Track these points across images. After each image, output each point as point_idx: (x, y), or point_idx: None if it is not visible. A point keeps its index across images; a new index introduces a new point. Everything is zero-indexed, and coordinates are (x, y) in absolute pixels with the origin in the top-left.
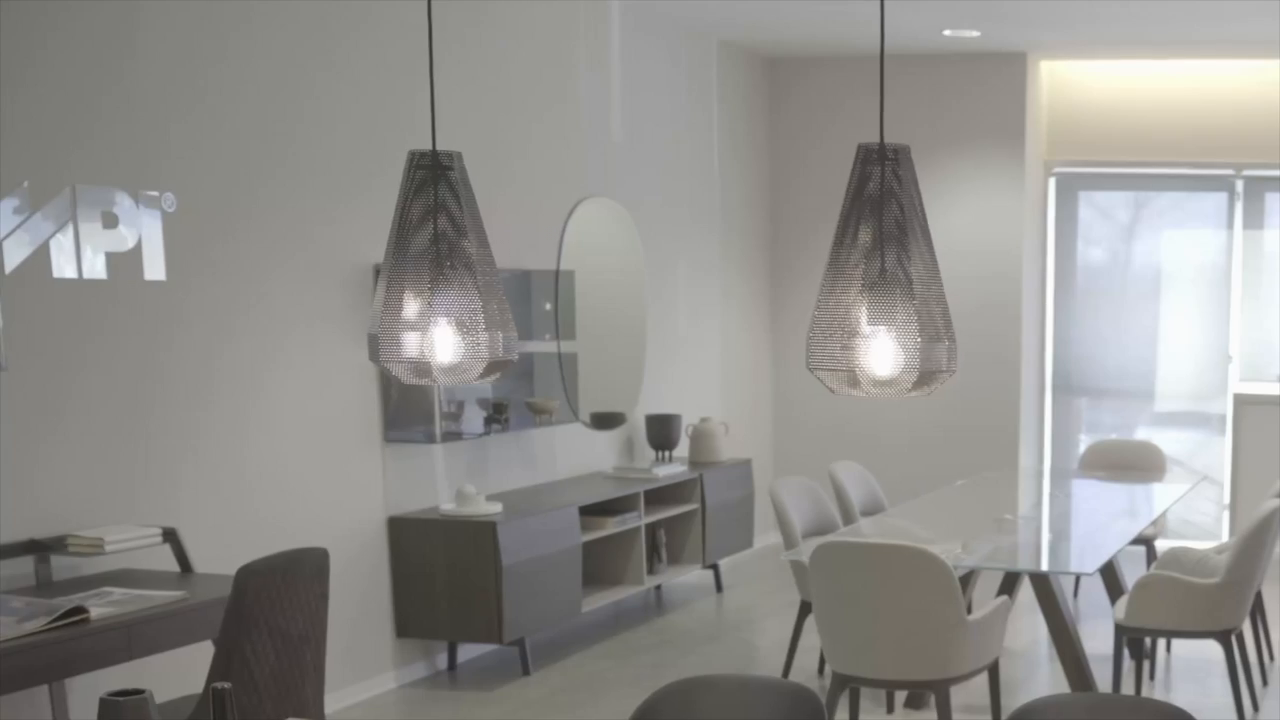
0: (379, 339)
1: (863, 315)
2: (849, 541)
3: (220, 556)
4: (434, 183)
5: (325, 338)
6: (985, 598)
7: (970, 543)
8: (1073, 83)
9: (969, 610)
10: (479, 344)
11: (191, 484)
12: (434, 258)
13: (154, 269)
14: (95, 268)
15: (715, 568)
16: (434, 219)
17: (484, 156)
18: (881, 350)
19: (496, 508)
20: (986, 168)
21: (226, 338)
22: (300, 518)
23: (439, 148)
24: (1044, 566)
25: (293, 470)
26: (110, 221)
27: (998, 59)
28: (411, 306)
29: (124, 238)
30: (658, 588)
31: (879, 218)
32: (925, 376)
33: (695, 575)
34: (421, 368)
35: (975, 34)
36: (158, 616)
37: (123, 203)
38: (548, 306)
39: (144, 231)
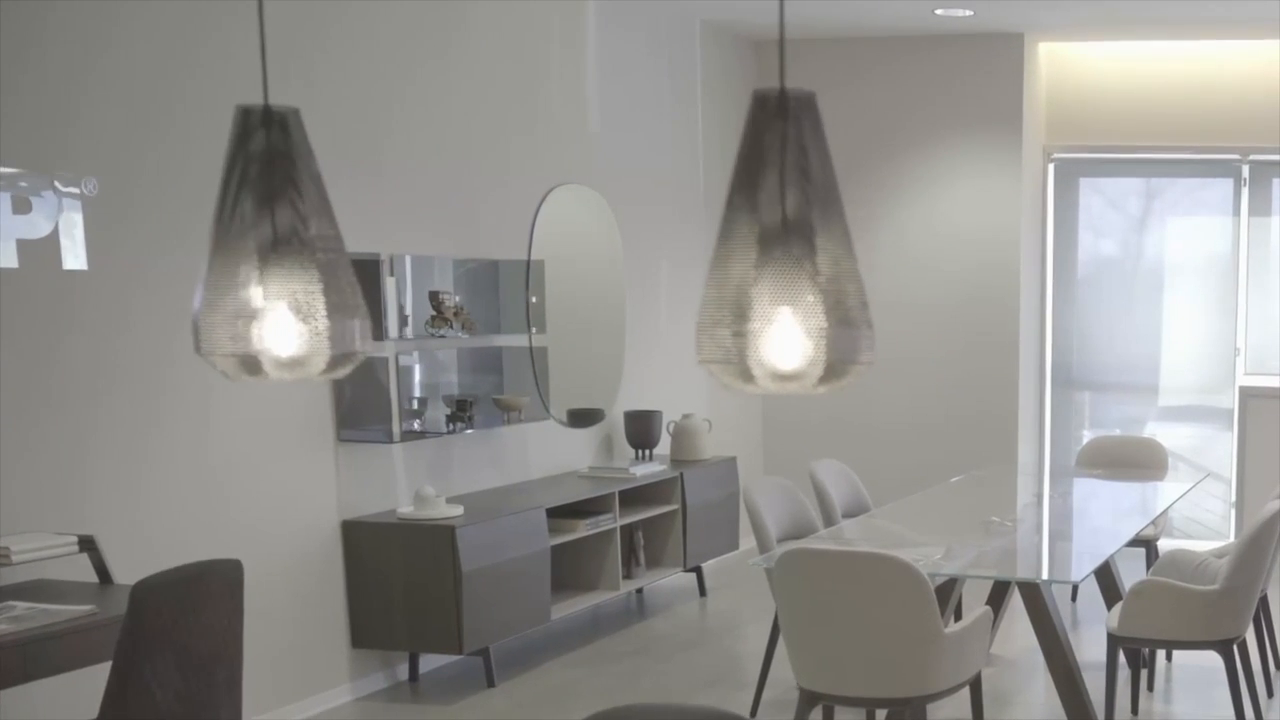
0: (199, 328)
1: (759, 295)
2: (816, 549)
3: (152, 567)
4: (266, 143)
5: None
6: (977, 605)
7: (955, 547)
8: (1072, 65)
9: (957, 618)
10: (319, 334)
11: (118, 488)
12: (265, 231)
13: (74, 258)
14: (5, 255)
15: (698, 571)
16: (264, 185)
17: (450, 140)
18: (781, 338)
19: (457, 510)
20: (983, 154)
21: (158, 331)
22: (243, 523)
23: (271, 103)
24: (1026, 574)
25: (234, 472)
26: (22, 207)
27: (993, 40)
28: (238, 289)
29: (37, 224)
30: (639, 591)
31: (780, 180)
32: (834, 369)
33: (678, 579)
34: (250, 362)
35: (968, 13)
36: (61, 634)
37: (36, 187)
38: (534, 299)
39: (61, 218)
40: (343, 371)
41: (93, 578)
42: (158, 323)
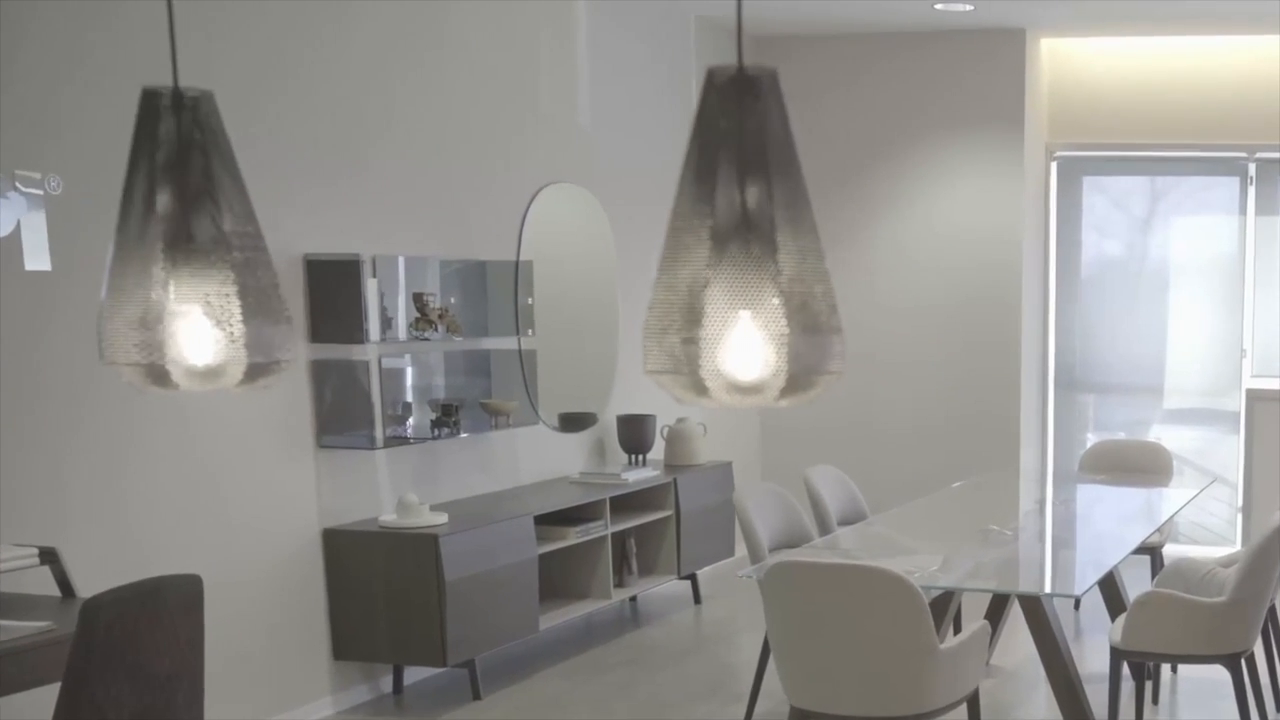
0: (102, 334)
1: (713, 298)
2: (806, 561)
3: (126, 579)
4: (176, 130)
5: None
6: (975, 617)
7: (953, 557)
8: (1075, 61)
9: (956, 631)
10: (235, 341)
11: (90, 497)
12: (174, 228)
13: (36, 258)
14: None
15: (693, 578)
16: (175, 176)
17: (436, 137)
18: (738, 345)
19: (441, 518)
20: (984, 152)
21: None
22: (221, 532)
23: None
24: (1027, 586)
25: (211, 480)
26: None
27: (994, 36)
28: (144, 292)
29: None
30: (633, 599)
31: (737, 169)
32: (799, 380)
33: (672, 586)
34: (158, 372)
35: (968, 8)
36: (12, 652)
37: None
38: (530, 300)
39: (23, 216)
40: (265, 383)
41: (57, 591)
42: None
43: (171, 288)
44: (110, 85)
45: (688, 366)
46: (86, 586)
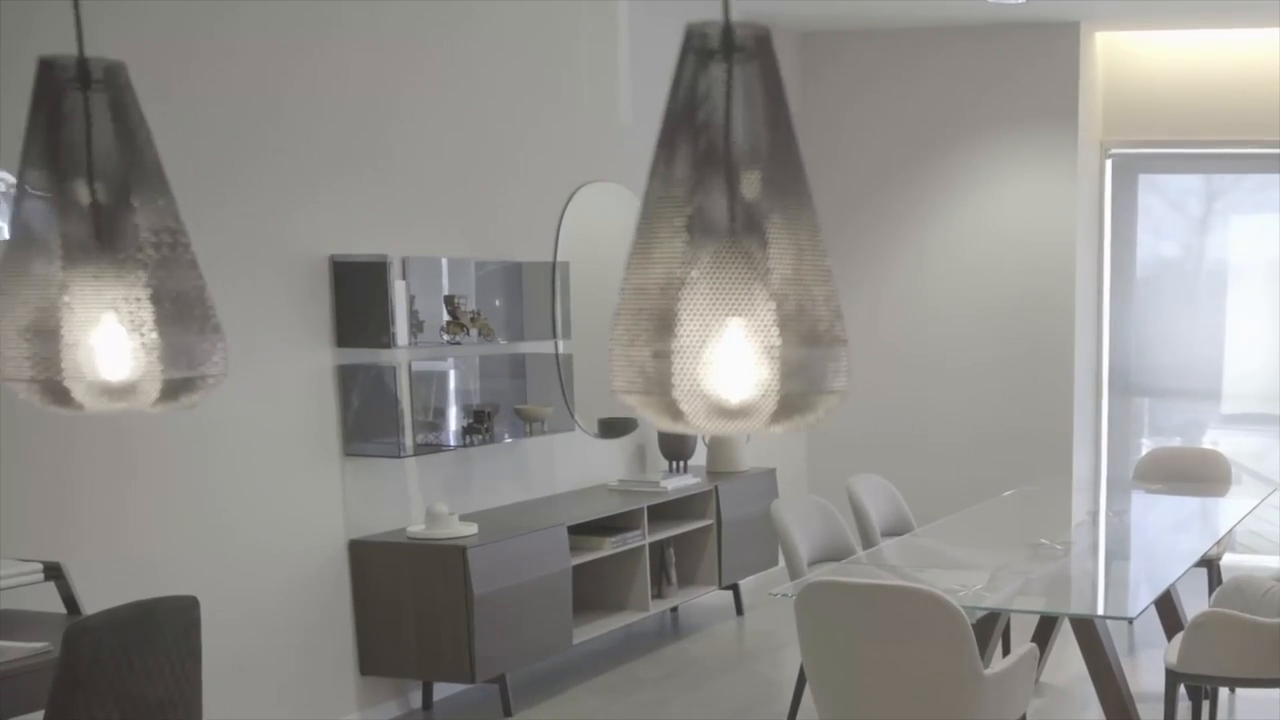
0: None
1: (690, 302)
2: (841, 581)
3: (141, 595)
4: (82, 106)
5: (266, 339)
6: (1024, 635)
7: (1000, 572)
8: (1131, 55)
9: (1005, 651)
10: (148, 353)
11: (103, 509)
12: (76, 222)
13: None
14: None
15: (735, 588)
16: (78, 161)
17: (469, 134)
18: (721, 360)
19: (471, 529)
20: (1036, 149)
21: None
22: (243, 544)
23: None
24: (1079, 607)
25: (232, 489)
26: None
27: (1048, 30)
28: (36, 294)
29: None
30: (673, 610)
31: (722, 147)
32: (794, 401)
33: (715, 596)
34: (58, 390)
35: (1021, 1)
36: (5, 676)
37: None
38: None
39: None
40: (188, 400)
41: (63, 609)
42: None
43: (72, 290)
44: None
45: (659, 386)
46: (97, 604)
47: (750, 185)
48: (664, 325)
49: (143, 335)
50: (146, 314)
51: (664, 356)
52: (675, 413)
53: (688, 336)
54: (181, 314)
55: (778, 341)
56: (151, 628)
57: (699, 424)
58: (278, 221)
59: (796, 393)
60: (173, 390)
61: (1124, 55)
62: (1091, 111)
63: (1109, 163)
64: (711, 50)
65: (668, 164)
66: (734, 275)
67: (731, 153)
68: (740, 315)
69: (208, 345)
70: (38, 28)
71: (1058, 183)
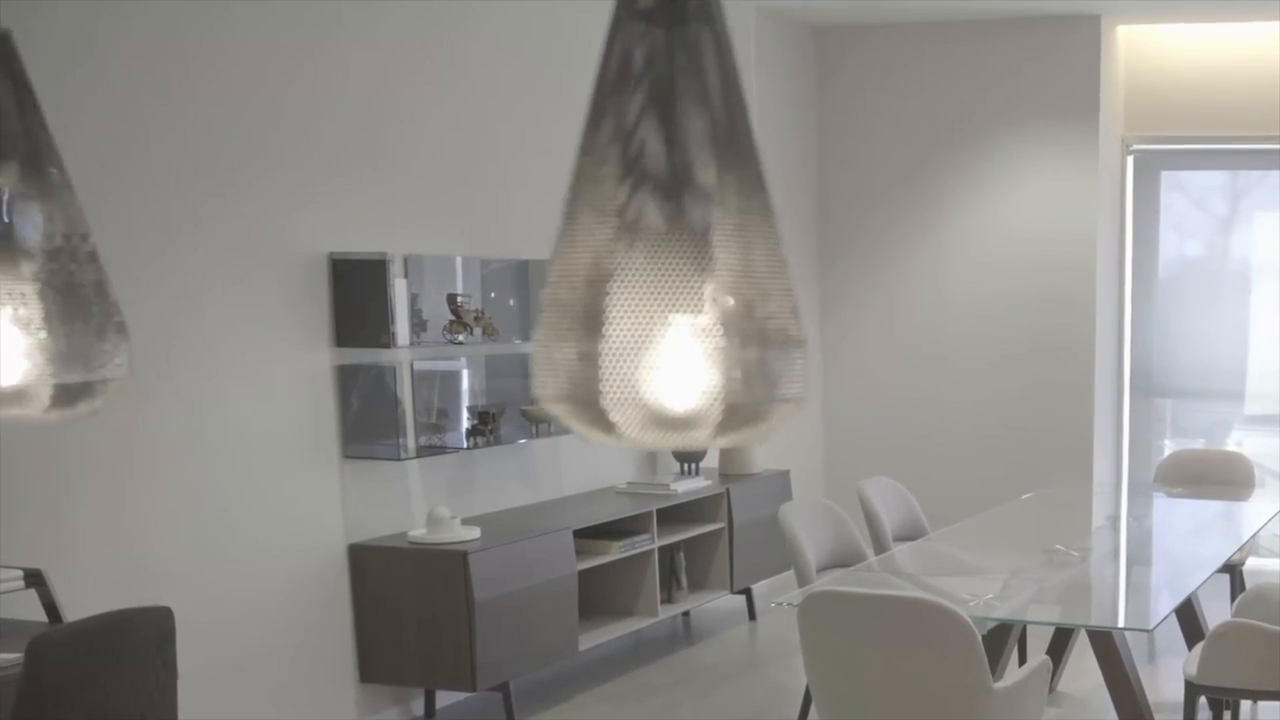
0: None
1: (619, 296)
2: (844, 591)
3: (134, 601)
4: None
5: (264, 338)
6: (1042, 642)
7: (1014, 580)
8: (1153, 49)
9: (1021, 660)
10: (39, 357)
11: (93, 513)
12: None
13: None
14: None
15: (748, 593)
16: None
17: (473, 129)
18: (654, 362)
19: (473, 533)
20: (1056, 146)
21: (138, 332)
22: (239, 548)
23: None
24: (1097, 618)
25: (229, 492)
26: None
27: (1068, 23)
28: None
29: None
30: (685, 615)
31: (658, 123)
32: (741, 410)
33: (728, 601)
34: None
35: None
36: None
37: None
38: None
39: None
40: (86, 408)
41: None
42: (137, 328)
43: None
44: (111, 60)
45: (585, 392)
46: (89, 609)
47: (692, 164)
48: (591, 323)
49: (32, 335)
50: (35, 311)
51: (591, 359)
52: (605, 424)
53: (618, 337)
54: (77, 312)
55: (723, 343)
56: (122, 640)
57: (633, 437)
58: (275, 219)
59: (745, 401)
60: (68, 396)
61: (1146, 49)
62: (1113, 107)
63: (1130, 159)
64: (649, 11)
65: (597, 137)
66: (672, 266)
67: (669, 127)
68: (679, 312)
69: (109, 347)
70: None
71: (1078, 180)
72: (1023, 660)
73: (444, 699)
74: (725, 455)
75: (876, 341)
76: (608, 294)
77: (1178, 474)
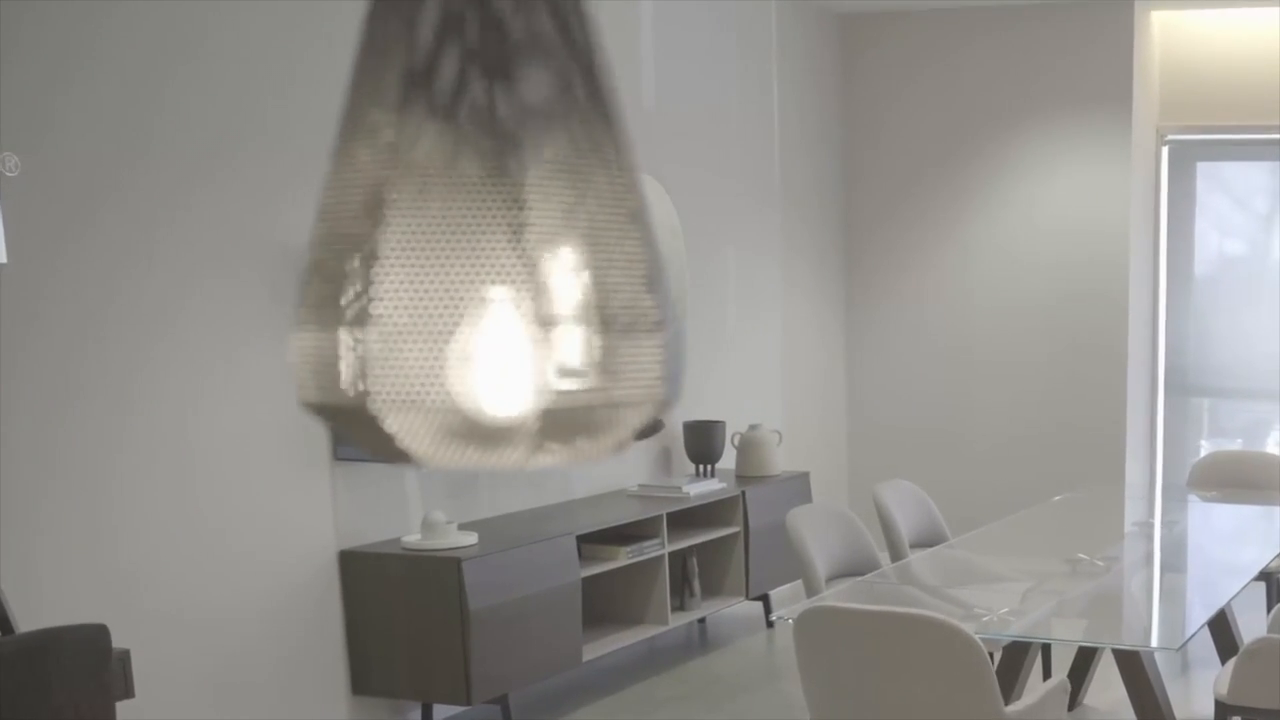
0: None
1: (390, 265)
2: (842, 607)
3: (115, 611)
4: None
5: (250, 336)
6: (1067, 658)
7: (1035, 591)
8: (1188, 36)
9: (1044, 676)
10: None
11: (72, 519)
12: None
13: None
14: None
15: (765, 599)
16: None
17: None
18: (449, 355)
19: (470, 539)
20: (1088, 136)
21: (118, 337)
22: (226, 555)
23: None
24: (1114, 638)
25: (214, 497)
26: None
27: (1100, 9)
28: None
29: None
30: (701, 622)
31: (459, 21)
32: (573, 420)
33: (745, 607)
34: None
35: None
36: None
37: None
38: None
39: None
40: None
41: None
42: (119, 327)
43: None
44: (86, 52)
45: (355, 395)
46: (59, 621)
47: (500, 80)
48: (358, 301)
49: None
50: None
51: (357, 348)
52: (377, 437)
53: (392, 318)
54: None
55: (537, 329)
56: (51, 662)
57: (417, 452)
58: (263, 218)
59: (574, 405)
60: None
61: (1181, 35)
62: (1147, 96)
63: (1165, 150)
64: None
65: (383, 41)
66: (470, 223)
67: (485, 35)
68: (483, 284)
69: None
70: None
71: (1110, 171)
72: (1047, 674)
73: (440, 713)
74: (742, 456)
75: (902, 337)
76: (377, 263)
77: (1213, 476)
